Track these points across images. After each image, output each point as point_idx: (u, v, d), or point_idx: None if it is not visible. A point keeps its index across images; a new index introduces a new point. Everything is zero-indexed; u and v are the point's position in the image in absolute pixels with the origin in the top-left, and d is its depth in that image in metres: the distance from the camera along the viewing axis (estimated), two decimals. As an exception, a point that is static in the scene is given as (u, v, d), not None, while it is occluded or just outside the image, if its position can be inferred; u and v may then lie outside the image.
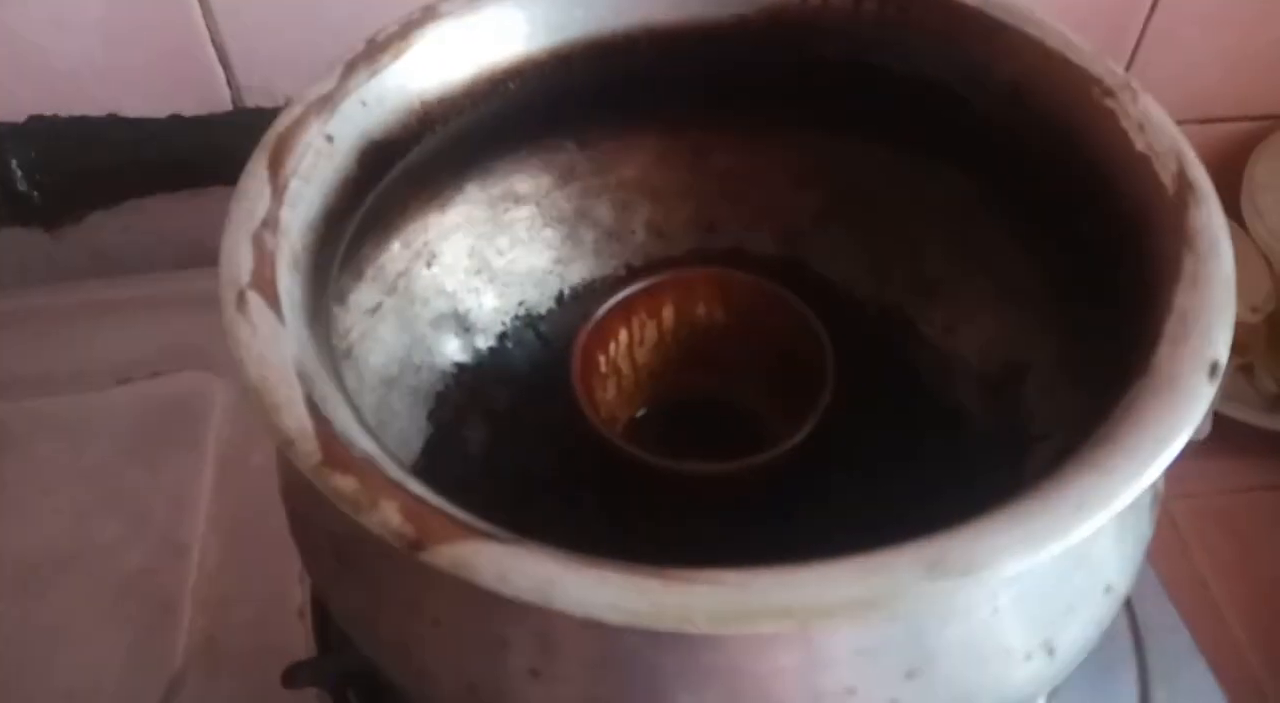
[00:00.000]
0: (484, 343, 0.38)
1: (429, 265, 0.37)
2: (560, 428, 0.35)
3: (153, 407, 0.40)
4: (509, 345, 0.38)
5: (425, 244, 0.37)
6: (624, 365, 0.34)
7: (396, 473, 0.21)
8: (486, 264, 0.39)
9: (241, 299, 0.23)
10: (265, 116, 0.28)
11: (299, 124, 0.28)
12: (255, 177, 0.26)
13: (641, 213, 0.40)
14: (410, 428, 0.35)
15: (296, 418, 0.21)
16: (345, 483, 0.20)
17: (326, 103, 0.28)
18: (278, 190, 0.26)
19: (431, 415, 0.35)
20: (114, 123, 0.50)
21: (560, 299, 0.39)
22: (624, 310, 0.32)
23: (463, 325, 0.38)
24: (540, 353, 0.38)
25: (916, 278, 0.38)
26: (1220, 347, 0.21)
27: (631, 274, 0.40)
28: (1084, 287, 0.31)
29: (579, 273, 0.40)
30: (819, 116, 0.37)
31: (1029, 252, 0.35)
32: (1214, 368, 0.21)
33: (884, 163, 0.38)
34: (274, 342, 0.23)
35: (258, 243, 0.25)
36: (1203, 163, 0.26)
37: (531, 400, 0.37)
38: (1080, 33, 0.30)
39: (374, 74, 0.30)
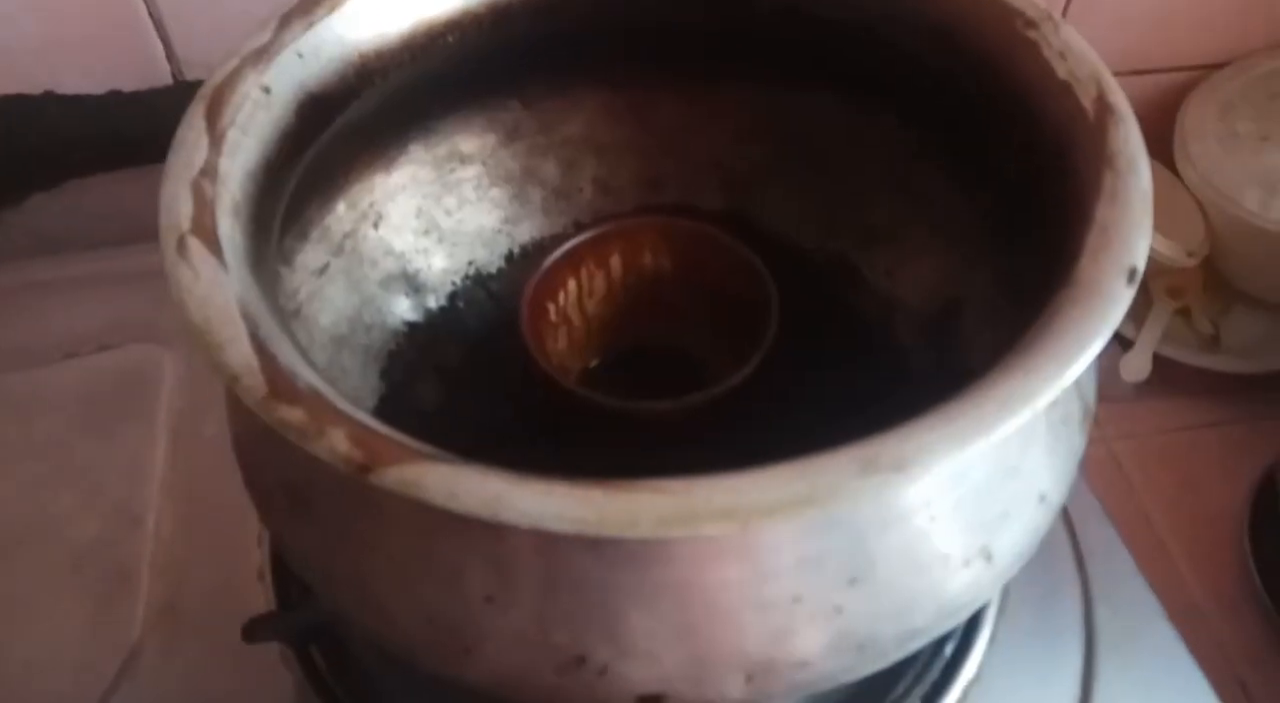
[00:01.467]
0: (435, 302, 0.38)
1: (376, 226, 0.37)
2: (513, 383, 0.36)
3: (103, 380, 0.40)
4: (460, 304, 0.38)
5: (371, 205, 0.37)
6: (574, 316, 0.34)
7: (343, 404, 0.21)
8: (435, 224, 0.39)
9: (182, 244, 0.23)
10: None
11: (236, 75, 0.28)
12: (192, 127, 0.26)
13: (588, 170, 0.41)
14: (363, 387, 0.35)
15: (241, 355, 0.21)
16: (292, 414, 0.20)
17: (263, 55, 0.28)
18: (215, 140, 0.26)
19: (384, 375, 0.36)
20: (51, 100, 0.49)
21: (510, 257, 0.40)
22: (571, 260, 0.33)
23: (412, 285, 0.38)
24: (492, 311, 0.39)
25: (860, 225, 0.39)
26: (1139, 255, 0.22)
27: (580, 231, 0.40)
28: (1011, 215, 0.31)
29: (528, 231, 0.40)
30: (756, 69, 0.37)
31: (962, 190, 0.36)
32: (1132, 274, 0.22)
33: (823, 112, 0.38)
34: (216, 284, 0.23)
35: (197, 190, 0.25)
36: (1136, 115, 0.27)
37: (484, 358, 0.37)
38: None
39: (310, 26, 0.30)
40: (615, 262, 0.34)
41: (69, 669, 0.34)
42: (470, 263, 0.39)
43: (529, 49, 0.36)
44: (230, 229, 0.25)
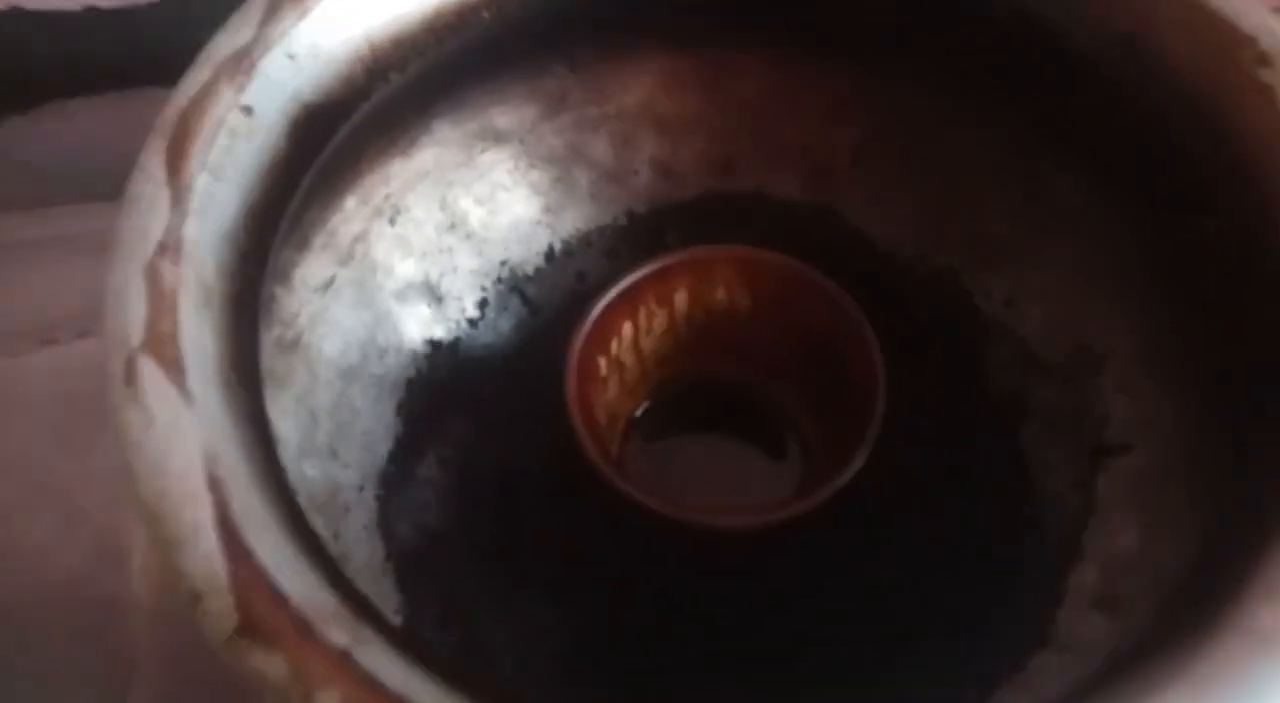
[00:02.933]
0: (460, 314, 0.32)
1: (392, 223, 0.31)
2: (551, 416, 0.30)
3: (85, 377, 0.34)
4: (490, 315, 0.33)
5: (387, 198, 0.31)
6: (628, 359, 0.28)
7: (345, 634, 0.16)
8: (461, 217, 0.32)
9: (131, 369, 0.18)
10: (193, 6, 0.22)
11: (207, 94, 0.21)
12: (149, 178, 0.20)
13: (645, 148, 0.34)
14: (376, 428, 0.30)
15: (204, 556, 0.16)
16: (270, 663, 0.15)
17: (242, 60, 0.22)
18: (179, 195, 0.20)
19: (401, 409, 0.30)
20: (18, 15, 0.42)
21: (550, 255, 0.33)
22: (627, 301, 0.27)
23: (434, 294, 0.32)
24: (528, 322, 0.33)
25: (974, 237, 0.32)
26: None
27: (634, 222, 0.34)
28: (1201, 286, 0.25)
29: (572, 222, 0.34)
30: (868, 44, 0.30)
31: (1126, 225, 0.29)
32: None
33: (942, 106, 0.31)
34: (176, 432, 0.17)
35: (153, 279, 0.19)
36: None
37: (519, 382, 0.32)
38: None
39: (304, 15, 0.23)
40: (681, 298, 0.28)
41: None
42: (503, 263, 0.33)
43: (583, 7, 0.29)
44: (198, 331, 0.19)
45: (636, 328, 0.28)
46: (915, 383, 0.29)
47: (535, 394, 0.33)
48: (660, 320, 0.28)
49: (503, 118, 0.32)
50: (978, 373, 0.31)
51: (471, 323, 0.32)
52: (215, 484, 0.17)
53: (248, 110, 0.21)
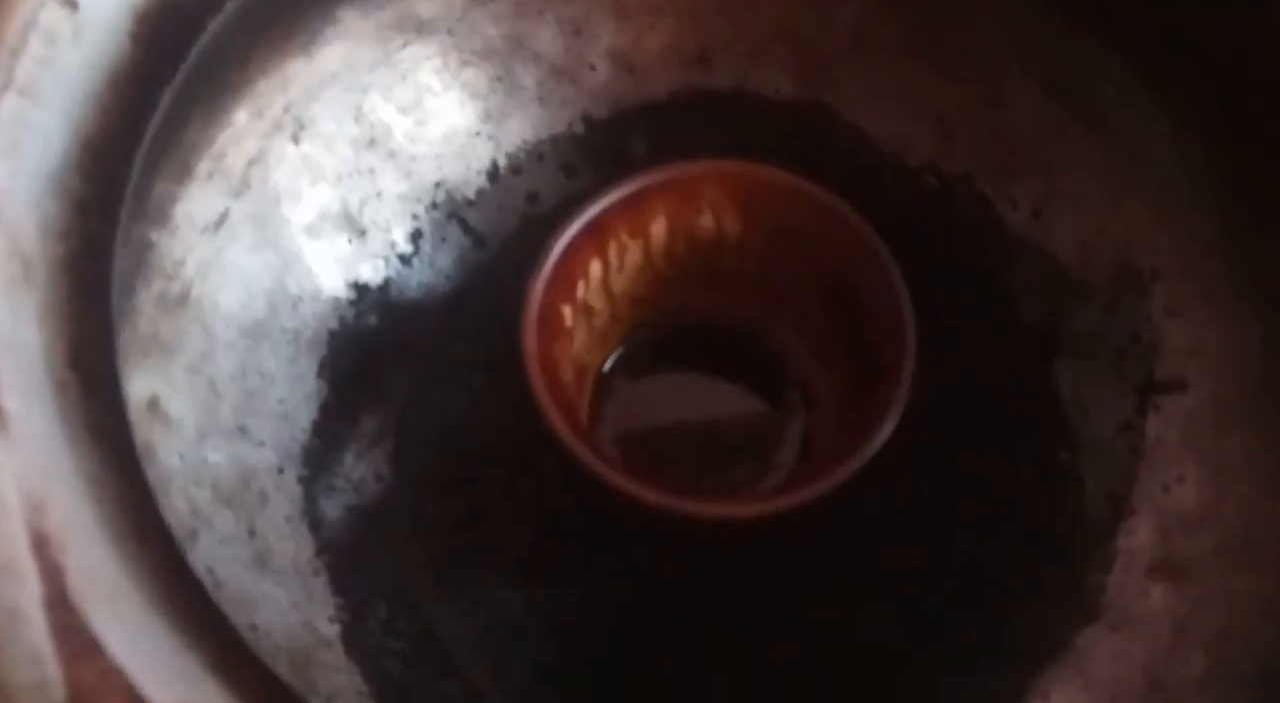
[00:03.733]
0: (389, 249, 0.27)
1: (295, 140, 0.25)
2: (506, 366, 0.25)
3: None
4: (425, 248, 0.27)
5: (287, 109, 0.25)
6: (597, 303, 0.23)
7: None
8: (383, 130, 0.27)
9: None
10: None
11: (6, -18, 0.15)
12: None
13: (603, 37, 0.28)
14: (294, 395, 0.24)
15: (29, 656, 0.11)
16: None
17: (56, -70, 0.16)
18: (-27, 130, 0.14)
19: (324, 369, 0.25)
20: None
21: (493, 173, 0.28)
22: (594, 235, 0.22)
23: (355, 226, 0.26)
24: (471, 254, 0.28)
25: (995, 134, 0.27)
26: None
27: (592, 129, 0.28)
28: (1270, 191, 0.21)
29: (518, 132, 0.28)
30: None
31: (1177, 115, 0.24)
32: None
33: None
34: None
35: (-63, 253, 0.13)
36: None
37: (465, 327, 0.27)
38: None
39: None
40: (658, 227, 0.23)
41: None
42: (437, 184, 0.27)
43: None
44: (11, 322, 0.14)
45: (606, 265, 0.23)
46: (930, 312, 0.25)
47: (485, 340, 0.27)
48: (634, 254, 0.23)
49: (425, 3, 0.26)
50: (1004, 298, 0.27)
51: (403, 259, 0.27)
52: (43, 546, 0.12)
53: (71, 3, 0.16)
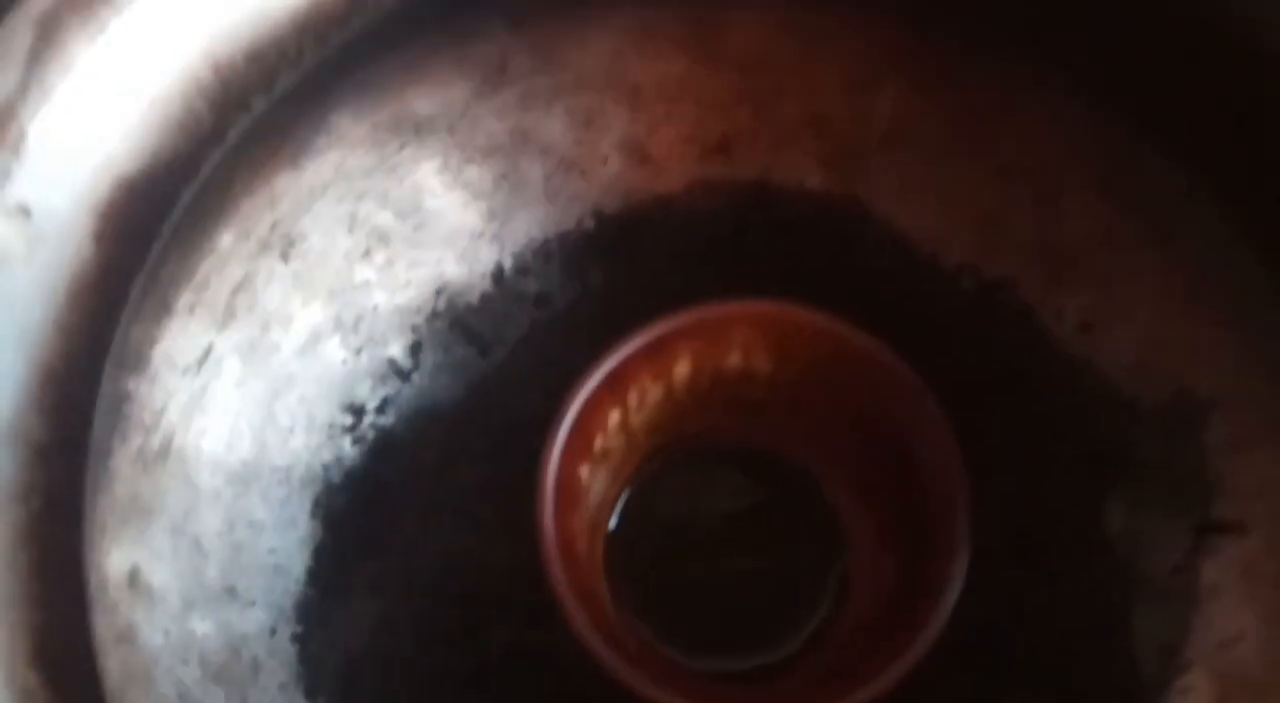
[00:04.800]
0: (386, 366, 0.25)
1: (284, 258, 0.23)
2: (516, 495, 0.24)
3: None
4: (426, 362, 0.25)
5: (274, 226, 0.23)
6: (615, 443, 0.21)
7: None
8: (379, 237, 0.24)
9: None
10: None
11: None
12: None
13: (614, 127, 0.26)
14: (286, 542, 0.22)
15: None
16: None
17: (4, 128, 0.13)
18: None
19: (318, 510, 0.23)
20: None
21: (498, 275, 0.26)
22: (613, 387, 0.20)
23: (351, 344, 0.24)
24: (476, 365, 0.25)
25: (1041, 239, 0.25)
26: None
27: (603, 224, 0.26)
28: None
29: (524, 230, 0.26)
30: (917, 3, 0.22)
31: (1239, 226, 0.23)
32: None
33: (1000, 67, 0.24)
34: None
35: None
36: None
37: (470, 450, 0.25)
38: None
39: (97, 33, 0.14)
40: (682, 368, 0.21)
41: None
42: (438, 291, 0.25)
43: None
44: None
45: (625, 409, 0.21)
46: (965, 431, 0.23)
47: (490, 461, 0.26)
48: (655, 393, 0.21)
49: (424, 100, 0.24)
50: (1047, 419, 0.25)
51: (402, 375, 0.25)
52: None
53: (23, 211, 0.13)
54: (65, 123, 0.14)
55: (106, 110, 0.14)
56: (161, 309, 0.21)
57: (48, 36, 0.14)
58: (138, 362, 0.20)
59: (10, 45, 0.14)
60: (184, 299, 0.21)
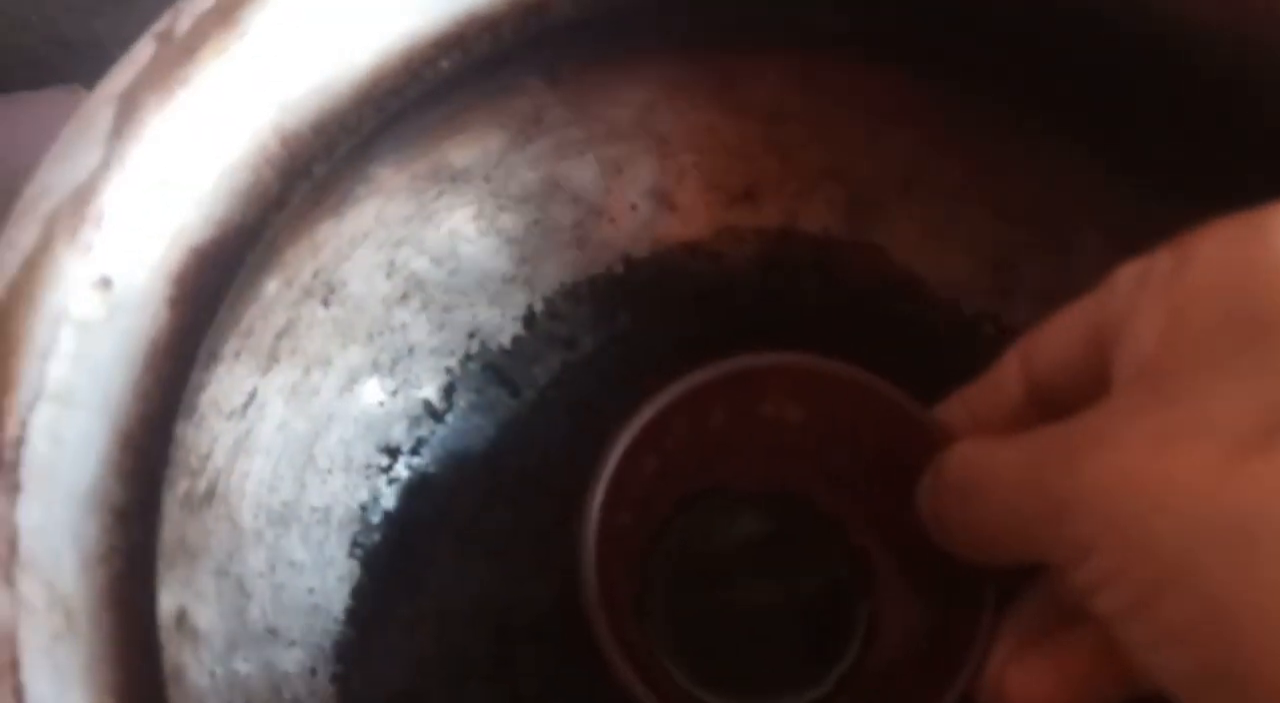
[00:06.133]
0: (420, 407, 0.25)
1: (325, 304, 0.24)
2: (551, 534, 0.24)
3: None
4: (459, 404, 0.26)
5: (316, 274, 0.23)
6: (653, 491, 0.22)
7: None
8: (415, 283, 0.25)
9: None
10: None
11: (33, 271, 0.14)
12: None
13: (644, 175, 0.27)
14: (325, 582, 0.23)
15: None
16: None
17: (86, 204, 0.14)
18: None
19: (356, 549, 0.24)
20: None
21: (530, 319, 0.26)
22: (650, 434, 0.20)
23: (388, 386, 0.25)
24: (508, 407, 0.26)
25: (1060, 283, 0.26)
26: None
27: (632, 270, 0.27)
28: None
29: (554, 274, 0.27)
30: (926, 43, 0.23)
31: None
32: None
33: (1020, 118, 0.25)
34: None
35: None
36: None
37: (504, 490, 0.25)
38: None
39: (174, 109, 0.15)
40: (717, 417, 0.22)
41: None
42: (471, 334, 0.26)
43: (566, 22, 0.22)
44: (55, 690, 0.12)
45: (663, 457, 0.21)
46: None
47: (522, 501, 0.26)
48: (690, 441, 0.22)
49: (460, 152, 0.25)
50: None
51: (436, 416, 0.25)
52: None
53: (105, 283, 0.14)
54: (143, 196, 0.15)
55: (181, 182, 0.15)
56: (209, 357, 0.21)
57: (128, 113, 0.14)
58: (185, 408, 0.21)
59: (93, 122, 0.14)
60: (230, 346, 0.22)
